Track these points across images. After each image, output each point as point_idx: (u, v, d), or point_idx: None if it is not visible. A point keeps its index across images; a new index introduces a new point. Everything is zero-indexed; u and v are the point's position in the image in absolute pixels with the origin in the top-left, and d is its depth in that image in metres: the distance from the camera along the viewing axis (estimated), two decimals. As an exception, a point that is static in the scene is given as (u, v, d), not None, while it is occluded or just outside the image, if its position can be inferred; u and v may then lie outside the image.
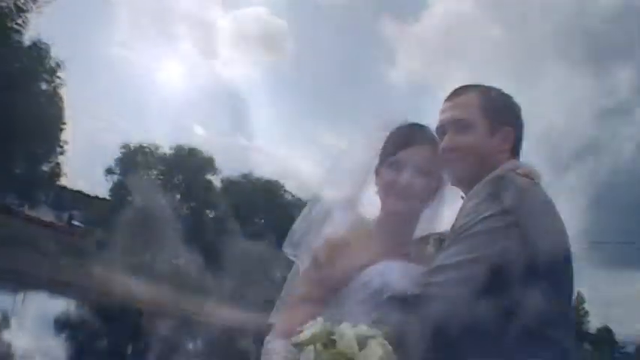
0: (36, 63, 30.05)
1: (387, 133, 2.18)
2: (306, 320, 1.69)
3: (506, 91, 2.09)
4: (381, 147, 2.18)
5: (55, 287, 30.46)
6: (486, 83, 2.09)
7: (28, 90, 28.10)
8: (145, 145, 52.10)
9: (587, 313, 62.11)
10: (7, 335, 18.18)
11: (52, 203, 52.82)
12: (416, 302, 1.71)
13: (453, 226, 1.86)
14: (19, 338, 18.28)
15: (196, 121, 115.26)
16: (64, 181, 43.73)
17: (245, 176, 56.01)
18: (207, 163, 52.72)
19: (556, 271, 1.77)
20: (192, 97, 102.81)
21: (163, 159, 52.03)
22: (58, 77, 33.21)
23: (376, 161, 2.19)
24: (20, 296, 27.44)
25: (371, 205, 2.21)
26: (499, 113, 2.01)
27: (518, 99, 2.07)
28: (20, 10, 25.04)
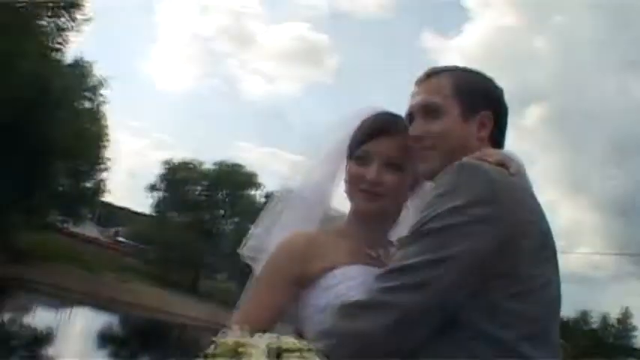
0: (78, 81, 30.59)
1: (359, 123, 1.95)
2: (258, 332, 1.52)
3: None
4: (350, 138, 1.95)
5: (100, 302, 30.78)
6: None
7: (71, 108, 28.56)
8: (187, 161, 52.65)
9: (634, 327, 60.08)
10: (51, 350, 18.37)
11: (97, 220, 53.80)
12: (364, 310, 1.50)
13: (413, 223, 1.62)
14: (63, 353, 18.46)
15: (239, 136, 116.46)
16: (108, 198, 44.42)
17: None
18: (250, 179, 52.96)
19: (533, 278, 1.53)
20: (235, 112, 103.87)
21: (206, 175, 52.48)
22: (101, 95, 33.78)
23: (345, 154, 1.95)
24: (65, 311, 27.77)
25: (344, 202, 1.99)
26: (475, 96, 1.76)
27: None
28: (60, 29, 25.50)
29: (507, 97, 1.83)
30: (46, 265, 31.22)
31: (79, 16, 25.78)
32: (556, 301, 1.62)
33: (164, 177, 51.55)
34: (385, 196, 1.84)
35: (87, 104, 33.59)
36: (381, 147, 1.85)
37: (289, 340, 1.36)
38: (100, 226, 55.15)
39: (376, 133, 1.87)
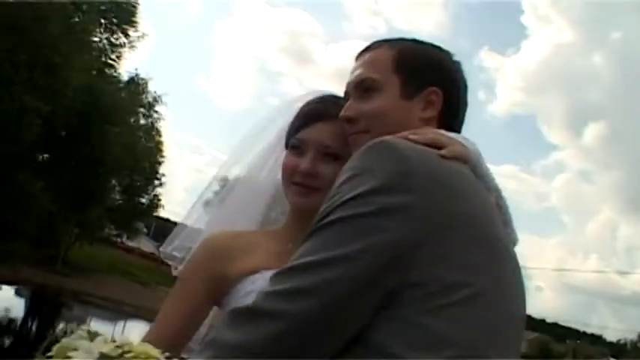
0: (133, 98, 31.25)
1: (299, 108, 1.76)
2: (170, 338, 1.45)
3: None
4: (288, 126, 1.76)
5: (154, 316, 30.96)
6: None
7: (126, 123, 29.14)
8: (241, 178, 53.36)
9: None
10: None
11: (153, 235, 54.85)
12: (246, 319, 1.21)
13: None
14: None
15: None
16: (165, 213, 45.17)
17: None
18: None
19: (461, 288, 1.20)
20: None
21: (261, 192, 52.94)
22: (156, 112, 34.44)
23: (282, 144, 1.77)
24: (119, 324, 28.15)
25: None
26: (420, 70, 1.52)
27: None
28: (114, 46, 26.13)
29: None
30: (101, 278, 31.85)
31: (132, 33, 26.42)
32: (502, 320, 1.27)
33: (218, 193, 52.28)
34: (321, 189, 1.58)
35: (142, 120, 34.31)
36: (316, 134, 1.64)
37: (143, 349, 1.18)
38: (155, 241, 56.18)
39: (312, 118, 1.67)
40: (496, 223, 1.33)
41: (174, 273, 1.79)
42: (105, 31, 25.21)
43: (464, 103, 1.58)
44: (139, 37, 27.11)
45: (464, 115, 1.59)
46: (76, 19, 20.97)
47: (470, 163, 1.35)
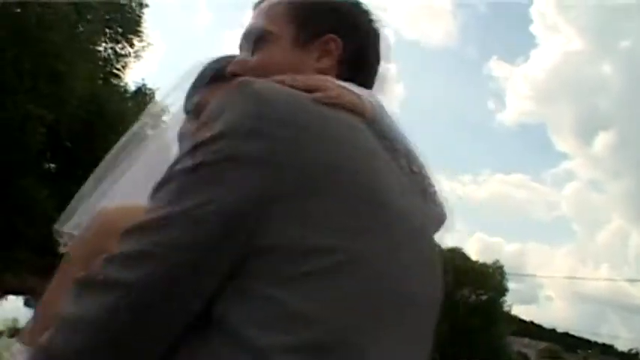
0: (140, 108, 31.24)
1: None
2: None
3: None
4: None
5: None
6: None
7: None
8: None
9: None
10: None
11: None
12: (87, 288, 1.06)
13: None
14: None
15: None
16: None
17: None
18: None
19: (328, 254, 1.03)
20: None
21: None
22: (163, 122, 34.43)
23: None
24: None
25: None
26: (317, 16, 1.36)
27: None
28: (119, 55, 26.19)
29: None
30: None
31: (137, 43, 26.52)
32: (397, 298, 1.11)
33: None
34: None
35: (149, 131, 34.32)
36: (210, 97, 1.48)
37: None
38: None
39: (207, 80, 1.63)
40: (391, 188, 1.17)
41: (62, 250, 1.68)
42: (110, 40, 25.34)
43: (373, 55, 1.45)
44: (144, 46, 27.21)
45: (374, 71, 1.46)
46: (81, 29, 21.11)
47: (364, 116, 1.22)
